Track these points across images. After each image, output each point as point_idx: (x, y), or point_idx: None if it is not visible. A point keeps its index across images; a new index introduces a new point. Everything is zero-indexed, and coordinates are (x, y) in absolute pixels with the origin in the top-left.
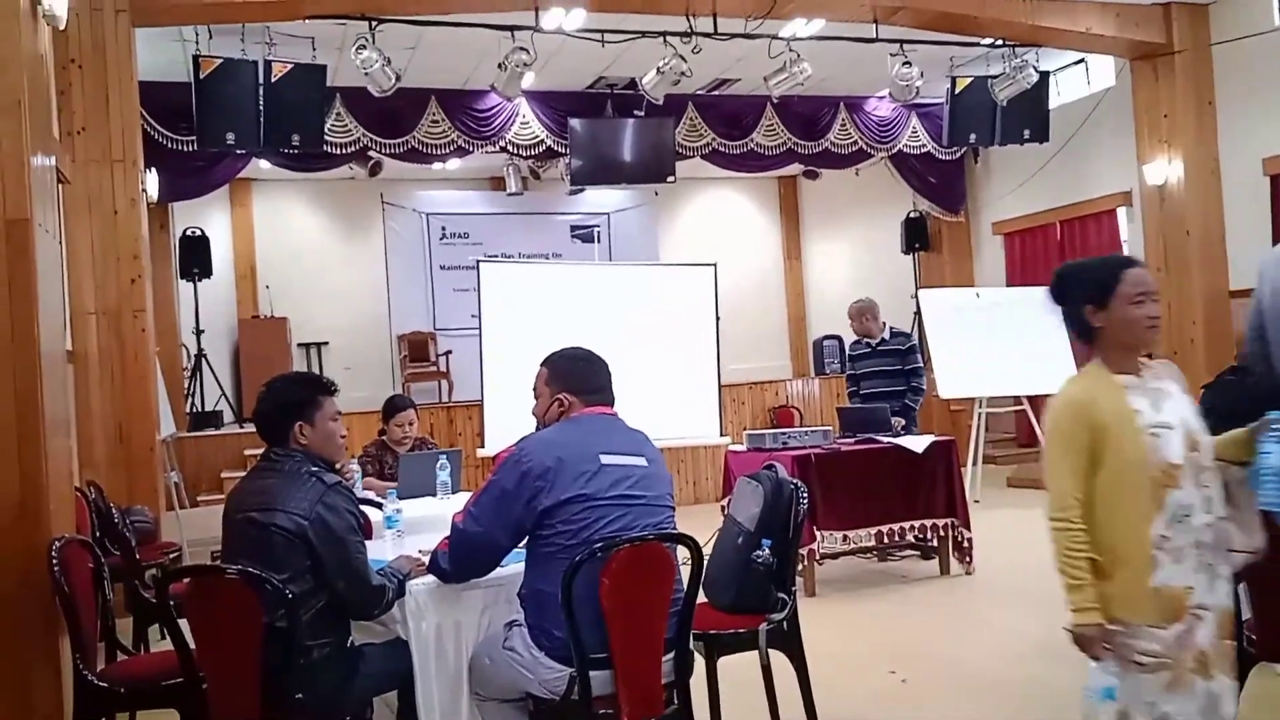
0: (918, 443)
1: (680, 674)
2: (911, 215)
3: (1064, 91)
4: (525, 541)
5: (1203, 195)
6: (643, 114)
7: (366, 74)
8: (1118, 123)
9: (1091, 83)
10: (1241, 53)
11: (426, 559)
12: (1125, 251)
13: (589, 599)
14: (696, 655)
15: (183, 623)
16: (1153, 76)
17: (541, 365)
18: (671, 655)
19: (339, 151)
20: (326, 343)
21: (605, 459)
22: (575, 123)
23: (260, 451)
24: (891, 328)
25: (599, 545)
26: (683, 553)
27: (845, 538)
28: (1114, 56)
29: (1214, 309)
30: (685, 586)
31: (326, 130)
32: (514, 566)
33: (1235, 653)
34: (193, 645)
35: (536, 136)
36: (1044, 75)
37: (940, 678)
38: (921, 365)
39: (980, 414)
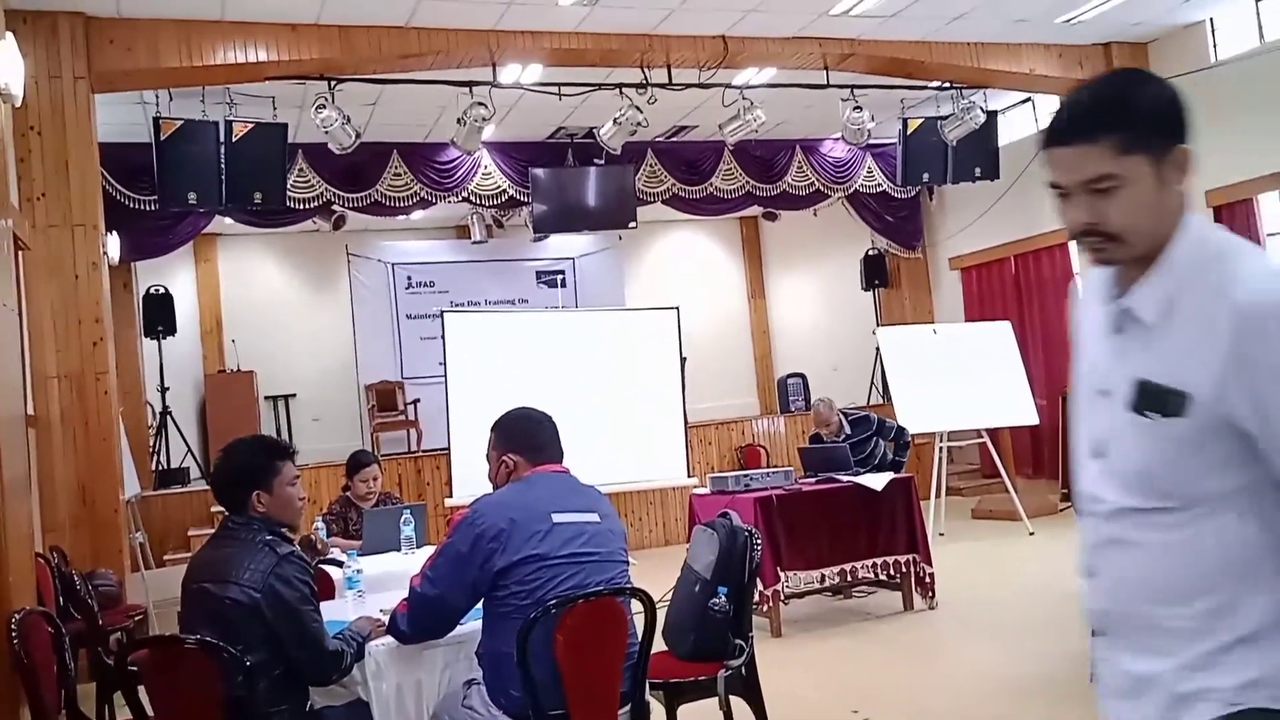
0: (877, 480)
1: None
2: (870, 253)
3: (1013, 129)
4: (482, 601)
5: None
6: (603, 162)
7: (326, 132)
8: None
9: (1039, 120)
10: (1182, 88)
11: (386, 619)
12: (1077, 283)
13: (544, 656)
14: (656, 704)
15: (145, 689)
16: None
17: (490, 430)
18: (628, 708)
19: (302, 206)
20: (294, 395)
21: (557, 517)
22: (537, 172)
23: None
24: (850, 420)
25: (553, 603)
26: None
27: (819, 577)
28: (1058, 96)
29: None
30: (640, 639)
31: (289, 186)
32: (473, 624)
33: None
34: (153, 715)
35: (499, 186)
36: (991, 115)
37: (903, 716)
38: (894, 425)
39: (942, 448)
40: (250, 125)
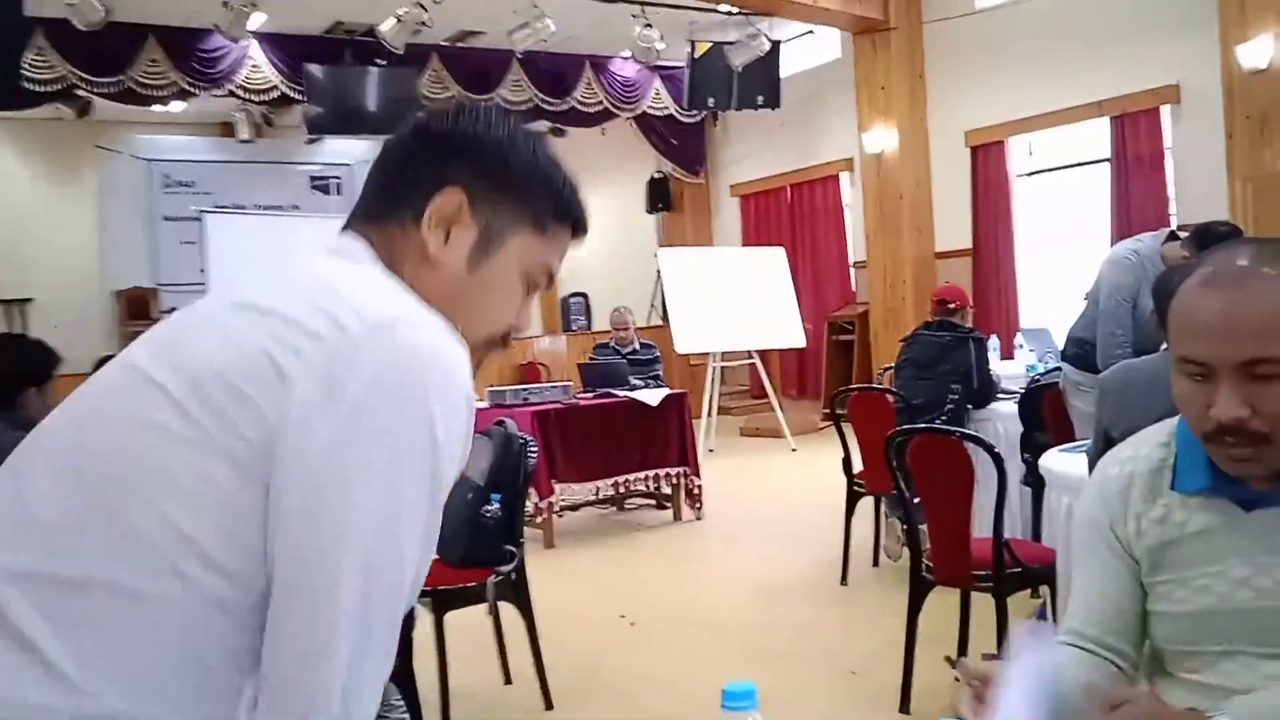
0: (653, 396)
1: (403, 632)
2: (655, 176)
3: (795, 61)
4: None
5: (913, 163)
6: (385, 63)
7: (71, 6)
8: (842, 93)
9: (819, 54)
10: (949, 32)
11: None
12: (847, 216)
13: None
14: (424, 611)
15: None
16: (872, 50)
17: None
18: None
19: (41, 89)
20: (31, 299)
21: None
22: (312, 68)
23: None
24: (641, 341)
25: None
26: None
27: (594, 490)
28: (839, 29)
29: (922, 269)
30: None
31: (26, 66)
32: None
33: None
34: None
35: (269, 81)
36: (776, 44)
37: (668, 619)
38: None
39: (715, 368)
40: None
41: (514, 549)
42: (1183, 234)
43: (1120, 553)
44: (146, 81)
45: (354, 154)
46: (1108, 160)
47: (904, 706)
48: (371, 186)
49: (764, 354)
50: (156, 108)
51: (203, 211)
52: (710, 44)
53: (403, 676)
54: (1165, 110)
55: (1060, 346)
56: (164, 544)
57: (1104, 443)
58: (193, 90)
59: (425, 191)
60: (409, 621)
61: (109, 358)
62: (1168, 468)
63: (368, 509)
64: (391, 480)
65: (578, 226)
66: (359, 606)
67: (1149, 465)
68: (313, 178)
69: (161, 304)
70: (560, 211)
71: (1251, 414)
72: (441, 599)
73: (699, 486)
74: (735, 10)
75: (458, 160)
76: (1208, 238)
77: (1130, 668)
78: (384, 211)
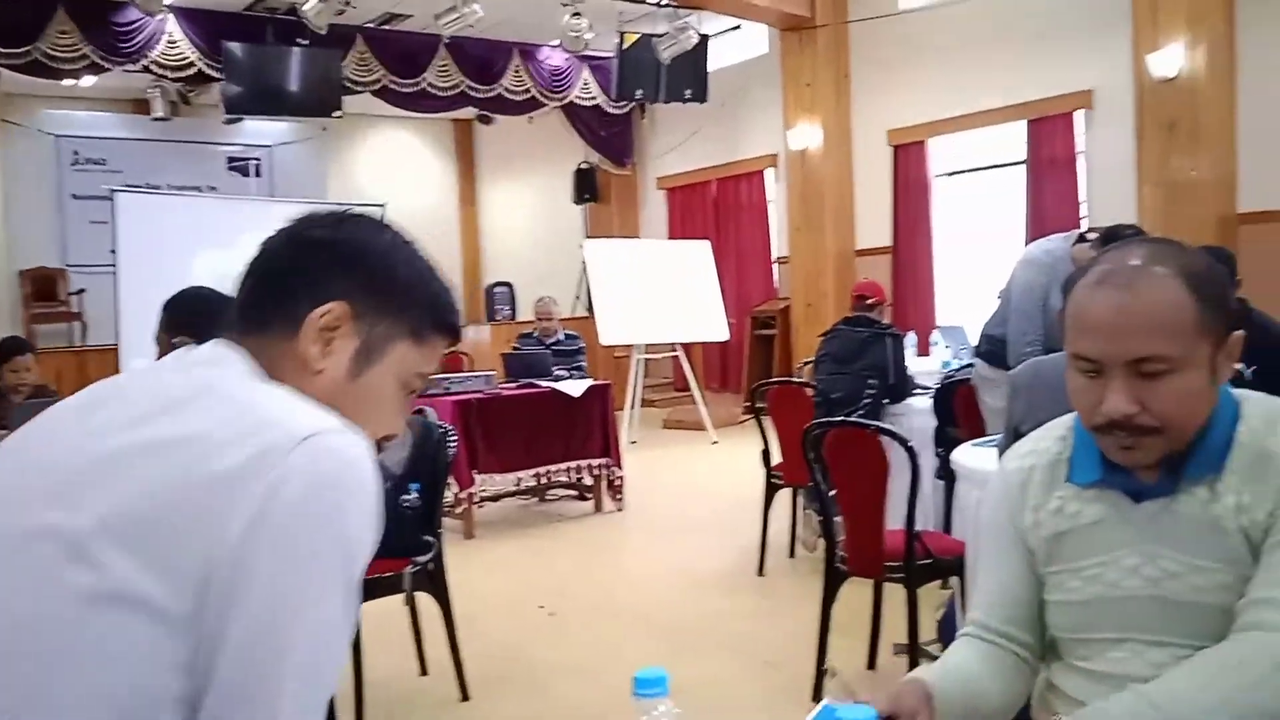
0: (576, 387)
1: None
2: (583, 166)
3: (723, 55)
4: None
5: (837, 161)
6: (308, 43)
7: None
8: (768, 89)
9: (747, 49)
10: (874, 31)
11: None
12: (771, 211)
13: None
14: None
15: None
16: (798, 47)
17: (161, 309)
18: None
19: None
20: None
21: None
22: (232, 46)
23: None
24: (565, 332)
25: None
26: None
27: (515, 480)
28: (766, 25)
29: (843, 265)
30: None
31: None
32: None
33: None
34: None
35: (186, 58)
36: (704, 38)
37: (586, 610)
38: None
39: (639, 360)
40: None
41: (432, 539)
42: (1092, 236)
43: (1019, 544)
44: (56, 54)
45: (274, 135)
46: (1023, 163)
47: (817, 695)
48: (248, 295)
49: (688, 347)
50: (67, 82)
51: (114, 190)
52: (639, 35)
53: None
54: (1079, 115)
55: (974, 344)
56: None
57: (1013, 438)
58: (105, 64)
59: (306, 303)
60: None
61: (13, 339)
62: (1064, 461)
63: (307, 629)
64: (326, 596)
65: (453, 335)
66: (298, 715)
67: (1048, 459)
68: (230, 159)
69: (70, 284)
70: (438, 322)
71: (1140, 410)
72: None
73: (620, 478)
74: (664, 2)
75: (340, 272)
76: (1115, 240)
77: (1032, 657)
78: (262, 321)
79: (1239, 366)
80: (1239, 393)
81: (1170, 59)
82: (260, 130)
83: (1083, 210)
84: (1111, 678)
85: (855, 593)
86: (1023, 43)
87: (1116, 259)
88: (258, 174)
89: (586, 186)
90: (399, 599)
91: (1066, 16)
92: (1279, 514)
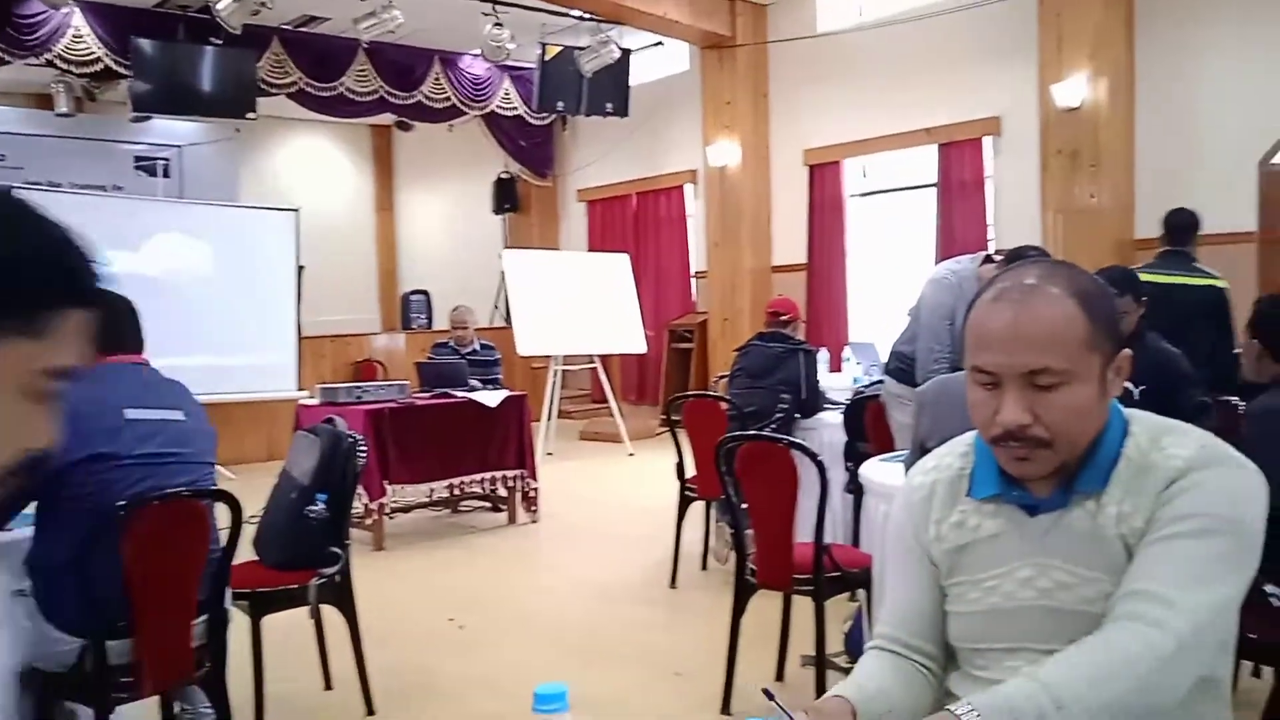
0: (492, 398)
1: (213, 636)
2: (503, 176)
3: (645, 71)
4: (35, 506)
5: (755, 179)
6: (221, 43)
7: None
8: (689, 105)
9: (668, 65)
10: (793, 52)
11: None
12: (690, 226)
13: (107, 565)
14: (242, 615)
15: None
16: (718, 65)
17: None
18: (205, 617)
19: None
20: None
21: (130, 414)
22: (142, 42)
23: None
24: (481, 341)
25: (122, 506)
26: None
27: (427, 491)
28: (687, 43)
29: (759, 281)
30: (223, 545)
31: None
32: (21, 531)
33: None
34: None
35: (92, 53)
36: (626, 53)
37: (497, 622)
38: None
39: (556, 371)
40: None
41: (339, 550)
42: (998, 257)
43: (923, 558)
44: None
45: (184, 135)
46: (934, 185)
47: (725, 707)
48: None
49: (605, 359)
50: None
51: (13, 188)
52: (561, 48)
53: (213, 682)
54: (987, 141)
55: (885, 360)
56: None
57: (920, 453)
58: (7, 57)
59: None
60: (221, 624)
61: None
62: (966, 476)
63: None
64: None
65: (87, 301)
66: None
67: (950, 474)
68: (137, 158)
69: None
70: (55, 296)
71: (1034, 420)
72: (259, 601)
73: (535, 489)
74: (586, 16)
75: None
76: (1019, 260)
77: (937, 668)
78: None
79: (1128, 385)
80: (1129, 412)
81: (1073, 90)
82: (170, 130)
83: (990, 233)
84: None
85: (765, 605)
86: (935, 69)
87: (1013, 278)
88: (166, 175)
89: (506, 196)
90: (303, 612)
91: (977, 45)
92: (1156, 517)
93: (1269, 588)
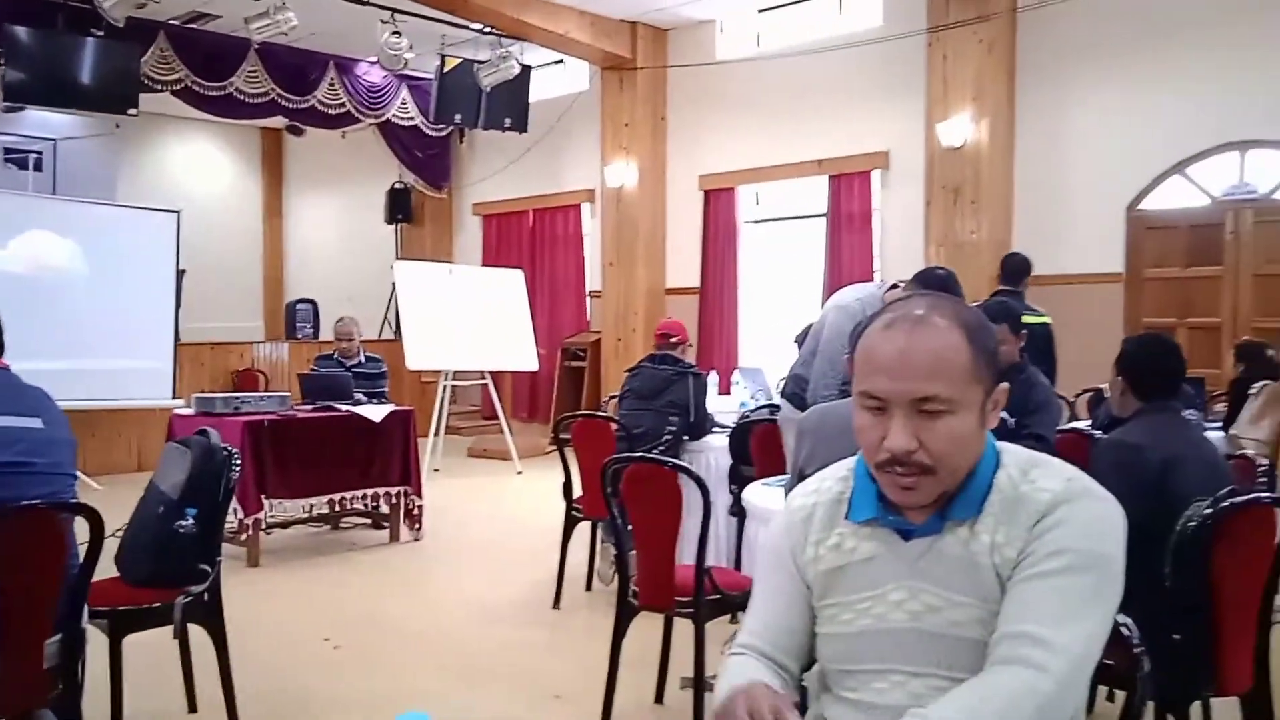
0: (376, 412)
1: (67, 657)
2: (397, 186)
3: (545, 88)
4: None
5: (651, 201)
6: (103, 35)
7: None
8: (588, 124)
9: (569, 84)
10: (691, 78)
11: None
12: (586, 245)
13: None
14: (100, 635)
15: None
16: (618, 87)
17: None
18: (59, 637)
19: None
20: None
21: None
22: (17, 30)
23: None
24: (367, 354)
25: None
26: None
27: (307, 507)
28: (588, 62)
29: (652, 303)
30: (82, 561)
31: None
32: None
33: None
34: None
35: None
36: (526, 69)
37: (375, 642)
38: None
39: (445, 386)
40: None
41: (208, 567)
42: (903, 283)
43: (797, 578)
44: None
45: (60, 128)
46: (824, 215)
47: None
48: None
49: (497, 375)
50: None
51: None
52: (460, 60)
53: (67, 705)
54: (876, 174)
55: (772, 385)
56: None
57: (798, 479)
58: None
59: None
60: (77, 644)
61: None
62: (845, 500)
63: None
64: None
65: None
66: None
67: (830, 497)
68: (8, 150)
69: None
70: None
71: (919, 447)
72: (120, 620)
73: (420, 506)
74: (487, 30)
75: None
76: (929, 281)
77: (792, 684)
78: None
79: (1004, 415)
80: (1000, 445)
81: (957, 129)
82: (45, 121)
83: (876, 264)
84: (876, 708)
85: (647, 626)
86: (829, 103)
87: (903, 308)
88: (38, 168)
89: (400, 207)
90: (167, 631)
91: (869, 82)
92: (1029, 551)
93: (1119, 617)
